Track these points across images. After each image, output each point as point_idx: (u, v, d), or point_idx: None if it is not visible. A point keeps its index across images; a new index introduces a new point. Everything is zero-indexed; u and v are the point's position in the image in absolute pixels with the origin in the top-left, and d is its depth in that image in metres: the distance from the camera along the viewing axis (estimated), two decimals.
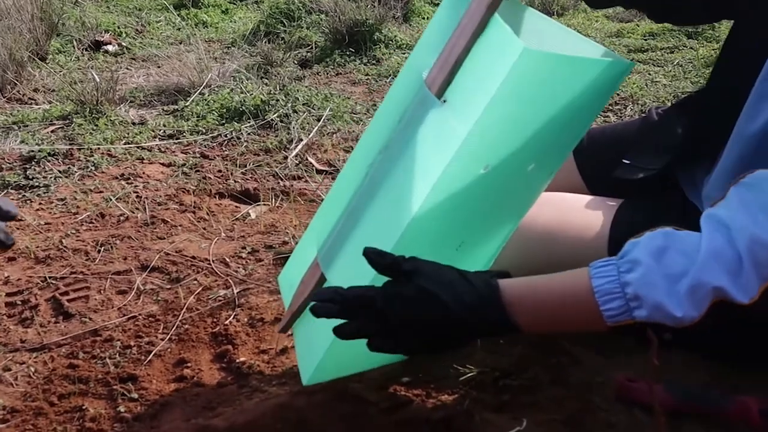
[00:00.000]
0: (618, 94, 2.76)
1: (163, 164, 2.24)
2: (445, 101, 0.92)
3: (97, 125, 2.53)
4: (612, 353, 1.19)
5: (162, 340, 1.36)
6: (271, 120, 2.53)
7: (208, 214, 1.89)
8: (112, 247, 1.71)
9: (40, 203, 1.95)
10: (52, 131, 2.52)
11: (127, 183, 2.08)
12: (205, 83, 2.91)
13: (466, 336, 0.96)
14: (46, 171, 2.16)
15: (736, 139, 1.01)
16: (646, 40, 3.68)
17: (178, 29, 4.14)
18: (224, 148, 2.36)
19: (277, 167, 2.17)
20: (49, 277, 1.59)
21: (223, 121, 2.59)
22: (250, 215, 1.89)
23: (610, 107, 2.65)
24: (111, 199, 1.96)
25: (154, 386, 1.24)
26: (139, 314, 1.44)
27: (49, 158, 2.24)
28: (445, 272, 0.92)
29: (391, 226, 0.93)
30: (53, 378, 1.27)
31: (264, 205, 1.95)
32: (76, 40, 3.67)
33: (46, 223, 1.83)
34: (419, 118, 0.95)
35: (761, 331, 0.96)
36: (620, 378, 1.07)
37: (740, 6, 1.10)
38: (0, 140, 2.40)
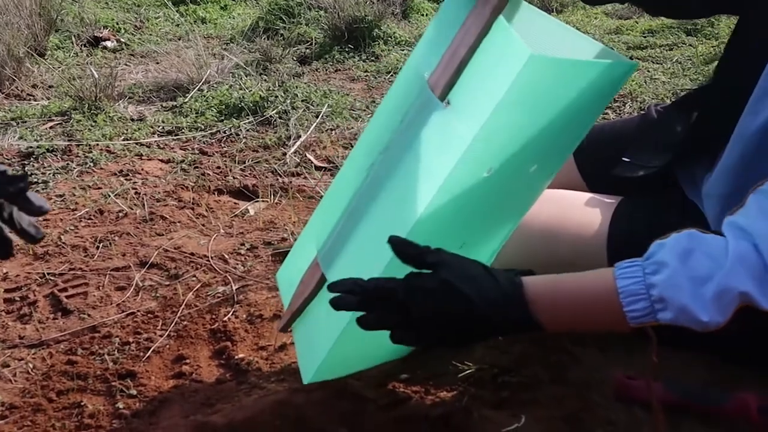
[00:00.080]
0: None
1: (161, 160, 2.24)
2: (448, 103, 0.92)
3: (95, 121, 2.53)
4: (611, 351, 1.19)
5: (161, 336, 1.36)
6: (270, 116, 2.53)
7: (206, 210, 1.89)
8: (110, 243, 1.71)
9: None
10: (51, 127, 2.52)
11: (126, 179, 2.08)
12: (203, 79, 2.90)
13: (489, 331, 0.93)
14: (44, 167, 2.16)
15: (738, 136, 1.01)
16: (645, 37, 3.68)
17: (177, 25, 4.13)
18: (223, 145, 2.36)
19: (275, 164, 2.17)
20: (48, 274, 1.58)
21: (222, 118, 2.58)
22: (248, 212, 1.89)
23: (609, 105, 2.65)
24: (110, 196, 1.95)
25: (152, 383, 1.24)
26: (138, 311, 1.44)
27: (48, 154, 2.24)
28: (470, 266, 0.91)
29: (395, 228, 0.92)
30: (52, 374, 1.27)
31: (263, 201, 1.95)
32: (74, 36, 3.66)
33: (44, 219, 1.82)
34: (422, 120, 0.94)
35: (760, 331, 0.96)
36: (619, 376, 1.07)
37: (741, 4, 1.10)
38: None
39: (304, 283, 1.09)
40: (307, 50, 3.51)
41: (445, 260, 0.90)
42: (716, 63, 1.23)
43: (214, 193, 2.01)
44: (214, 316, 1.41)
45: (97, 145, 2.32)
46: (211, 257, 1.63)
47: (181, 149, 2.34)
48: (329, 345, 1.01)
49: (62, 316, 1.44)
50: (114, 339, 1.35)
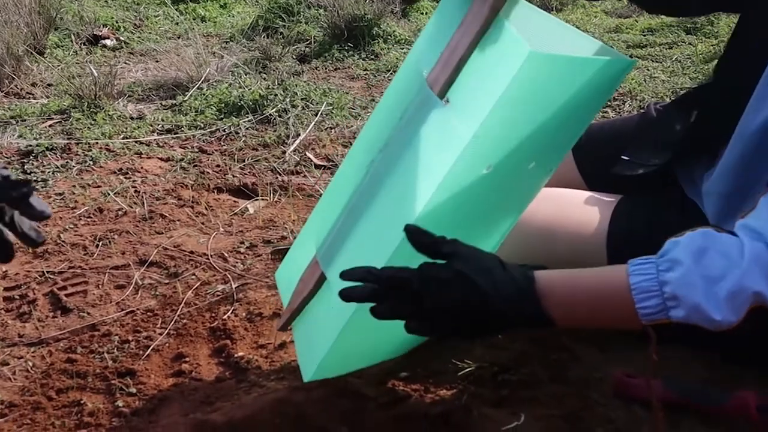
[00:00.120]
0: (617, 90, 2.75)
1: (161, 159, 2.24)
2: (447, 101, 0.92)
3: (95, 120, 2.53)
4: (611, 350, 1.19)
5: (160, 334, 1.36)
6: (270, 115, 2.53)
7: (206, 208, 1.89)
8: (110, 241, 1.71)
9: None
10: (50, 126, 2.52)
11: (126, 178, 2.07)
12: (203, 78, 2.90)
13: (503, 325, 0.93)
14: (44, 165, 2.16)
15: (739, 135, 1.01)
16: (644, 35, 3.68)
17: (177, 24, 4.13)
18: (222, 143, 2.36)
19: (275, 162, 2.17)
20: (47, 272, 1.58)
21: (222, 116, 2.58)
22: (248, 210, 1.89)
23: (609, 103, 2.65)
24: (109, 194, 1.95)
25: (152, 381, 1.24)
26: (138, 309, 1.44)
27: (47, 153, 2.24)
28: (485, 259, 0.91)
29: (394, 225, 0.92)
30: (51, 372, 1.27)
31: (262, 200, 1.95)
32: (74, 34, 3.66)
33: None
34: (421, 118, 0.94)
35: (760, 330, 0.96)
36: (619, 374, 1.07)
37: (741, 3, 1.10)
38: None
39: (304, 282, 1.09)
40: (307, 49, 3.51)
41: (461, 251, 0.90)
42: (716, 62, 1.23)
43: (213, 192, 2.01)
44: (213, 315, 1.41)
45: (97, 143, 2.32)
46: (211, 255, 1.63)
47: (180, 148, 2.34)
48: (329, 343, 1.01)
49: (62, 315, 1.44)
50: (113, 337, 1.35)
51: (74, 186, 2.01)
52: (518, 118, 0.91)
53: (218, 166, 2.15)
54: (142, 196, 1.94)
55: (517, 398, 1.09)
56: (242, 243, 1.69)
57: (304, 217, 1.78)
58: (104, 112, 2.59)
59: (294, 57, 3.41)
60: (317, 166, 2.15)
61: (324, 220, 1.09)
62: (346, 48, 3.45)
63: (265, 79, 2.95)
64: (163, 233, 1.76)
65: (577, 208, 1.24)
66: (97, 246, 1.69)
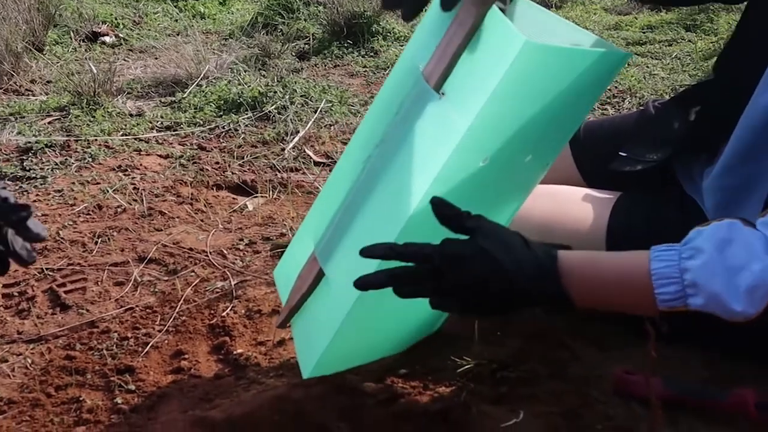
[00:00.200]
0: (616, 87, 2.76)
1: (160, 156, 2.23)
2: (443, 94, 0.92)
3: (94, 117, 2.53)
4: (610, 347, 1.19)
5: (159, 331, 1.36)
6: (269, 112, 2.53)
7: (205, 205, 1.89)
8: (109, 238, 1.71)
9: (37, 194, 1.94)
10: (49, 122, 2.51)
11: (125, 174, 2.07)
12: (202, 75, 2.90)
13: (525, 301, 0.91)
14: (43, 162, 2.16)
15: (744, 124, 1.00)
16: (644, 32, 3.68)
17: (176, 21, 4.12)
18: (222, 140, 2.36)
19: (274, 159, 2.16)
20: (46, 269, 1.58)
21: (221, 113, 2.58)
22: (247, 207, 1.89)
23: (608, 100, 2.65)
24: (108, 191, 1.95)
25: (151, 378, 1.24)
26: (137, 306, 1.44)
27: (46, 149, 2.24)
28: (508, 235, 0.90)
29: (392, 219, 0.92)
30: (50, 369, 1.26)
31: (261, 197, 1.95)
32: (73, 31, 3.66)
33: (43, 215, 1.82)
34: (417, 111, 0.94)
35: (760, 327, 0.96)
36: (618, 371, 1.07)
37: None
38: None
39: (302, 279, 1.09)
40: (306, 46, 3.51)
41: (484, 227, 0.89)
42: (715, 59, 1.23)
43: (212, 189, 2.01)
44: (212, 312, 1.41)
45: (96, 140, 2.31)
46: (210, 252, 1.63)
47: (179, 144, 2.34)
48: (327, 340, 1.01)
49: (61, 312, 1.44)
50: (112, 334, 1.35)
51: (73, 183, 2.01)
52: (514, 110, 0.91)
53: (217, 163, 2.15)
54: (141, 193, 1.94)
55: (516, 395, 1.09)
56: (241, 240, 1.69)
57: (303, 214, 1.77)
58: (103, 109, 2.59)
59: (293, 54, 3.41)
60: (316, 163, 2.15)
61: (322, 217, 1.08)
62: (346, 45, 3.45)
63: (264, 76, 2.95)
64: (162, 230, 1.76)
65: (576, 205, 1.24)
66: (96, 243, 1.69)
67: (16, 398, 1.19)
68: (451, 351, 1.19)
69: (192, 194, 1.94)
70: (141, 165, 2.14)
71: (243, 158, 2.18)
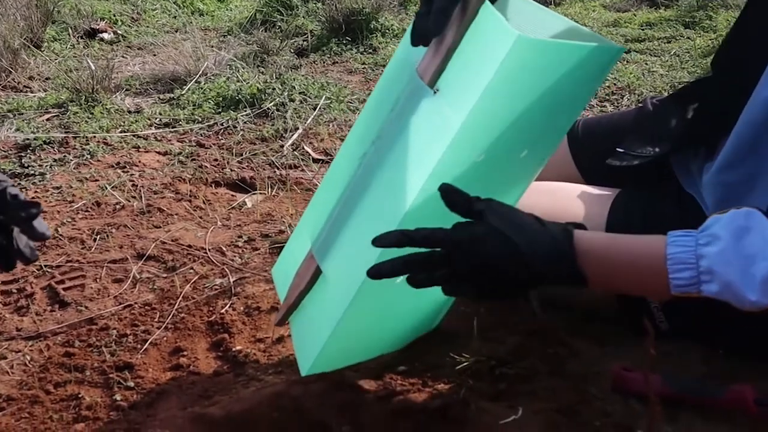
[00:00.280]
0: (615, 84, 2.76)
1: (159, 153, 2.23)
2: (437, 90, 0.92)
3: (92, 113, 2.53)
4: (609, 344, 1.19)
5: (158, 328, 1.36)
6: (268, 109, 2.53)
7: (204, 202, 1.89)
8: (107, 235, 1.71)
9: (35, 191, 1.94)
10: (48, 119, 2.51)
11: (123, 171, 2.07)
12: (201, 72, 2.90)
13: (539, 280, 0.90)
14: (41, 159, 2.15)
15: (746, 116, 1.00)
16: (643, 29, 3.67)
17: (174, 17, 4.12)
18: (220, 137, 2.36)
19: (273, 156, 2.16)
20: (45, 266, 1.58)
21: (220, 110, 2.58)
22: (246, 204, 1.89)
23: (607, 97, 2.65)
24: (107, 188, 1.95)
25: (150, 375, 1.24)
26: (135, 303, 1.44)
27: (45, 146, 2.24)
28: (520, 215, 0.90)
29: (388, 216, 0.92)
30: (49, 366, 1.26)
31: (260, 193, 1.95)
32: (71, 27, 3.65)
33: (41, 212, 1.82)
34: (412, 108, 0.94)
35: (758, 324, 0.96)
36: (617, 368, 1.07)
37: None
38: None
39: (300, 276, 1.09)
40: (305, 42, 3.50)
41: (494, 207, 0.89)
42: (713, 56, 1.23)
43: (211, 186, 2.01)
44: (211, 309, 1.41)
45: (94, 137, 2.31)
46: (209, 249, 1.63)
47: (178, 141, 2.34)
48: (325, 337, 1.01)
49: (59, 308, 1.44)
50: (111, 331, 1.35)
51: (72, 180, 2.01)
52: (508, 105, 0.91)
53: (216, 160, 2.15)
54: (140, 190, 1.94)
55: (514, 392, 1.09)
56: (240, 237, 1.69)
57: (302, 211, 1.77)
58: (102, 105, 2.58)
59: (292, 51, 3.41)
60: (315, 160, 2.15)
61: (319, 214, 1.09)
62: (344, 42, 3.45)
63: (263, 73, 2.94)
64: (160, 227, 1.76)
65: (574, 202, 1.24)
66: (95, 240, 1.69)
67: (15, 395, 1.20)
68: (449, 348, 1.19)
69: (191, 191, 1.94)
70: (139, 162, 2.14)
71: (242, 155, 2.18)
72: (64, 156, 2.17)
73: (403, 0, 4.17)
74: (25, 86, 2.93)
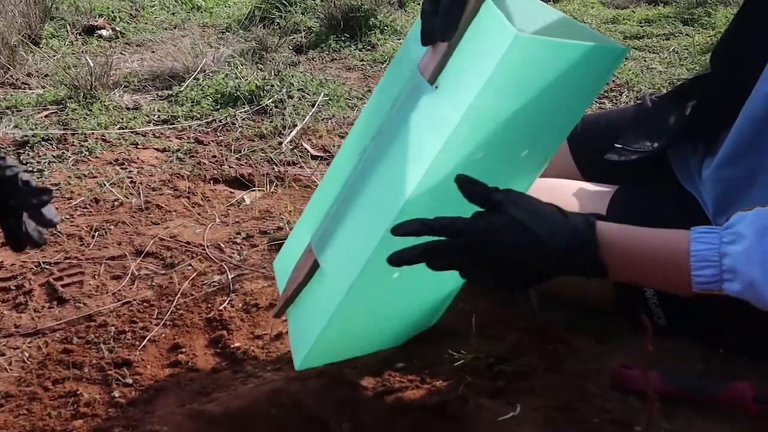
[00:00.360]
0: (614, 81, 2.76)
1: (157, 149, 2.23)
2: (437, 87, 0.92)
3: (91, 110, 2.52)
4: (607, 341, 1.19)
5: (156, 325, 1.36)
6: (266, 105, 2.53)
7: (202, 199, 1.88)
8: (106, 232, 1.71)
9: None
10: (46, 116, 2.51)
11: (122, 168, 2.07)
12: (199, 68, 2.89)
13: (559, 270, 0.89)
14: (39, 156, 2.15)
15: (745, 112, 1.00)
16: (641, 26, 3.67)
17: (173, 14, 4.12)
18: (219, 134, 2.35)
19: (271, 153, 2.16)
20: (43, 263, 1.58)
21: (218, 107, 2.58)
22: (244, 201, 1.88)
23: (606, 94, 2.65)
24: (105, 185, 1.95)
25: (148, 371, 1.24)
26: (134, 299, 1.44)
27: (43, 143, 2.24)
28: (539, 204, 0.89)
29: (385, 211, 0.93)
30: (47, 363, 1.26)
31: (259, 190, 1.95)
32: (69, 24, 3.65)
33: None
34: (412, 104, 0.94)
35: (758, 324, 0.96)
36: (616, 365, 1.07)
37: None
38: None
39: (298, 269, 1.09)
40: (303, 39, 3.50)
41: (513, 197, 0.89)
42: (711, 52, 1.23)
43: (209, 182, 2.00)
44: (209, 305, 1.41)
45: (93, 133, 2.31)
46: (207, 246, 1.63)
47: (176, 138, 2.34)
48: (319, 330, 1.01)
49: (58, 305, 1.44)
50: (110, 328, 1.35)
51: (70, 176, 2.00)
52: (507, 103, 0.90)
53: (214, 156, 2.15)
54: (138, 187, 1.94)
55: (513, 389, 1.09)
56: (238, 234, 1.69)
57: (301, 208, 1.77)
58: (100, 102, 2.58)
59: (290, 48, 3.40)
60: (314, 157, 2.15)
61: (319, 209, 1.09)
62: (343, 39, 3.44)
63: (261, 69, 2.94)
64: (159, 224, 1.76)
65: (573, 199, 1.24)
66: (93, 237, 1.69)
67: (14, 392, 1.19)
68: (448, 344, 1.19)
69: (189, 188, 1.94)
70: (138, 158, 2.14)
71: (240, 152, 2.18)
72: (63, 153, 2.17)
73: None
74: (23, 83, 2.93)
